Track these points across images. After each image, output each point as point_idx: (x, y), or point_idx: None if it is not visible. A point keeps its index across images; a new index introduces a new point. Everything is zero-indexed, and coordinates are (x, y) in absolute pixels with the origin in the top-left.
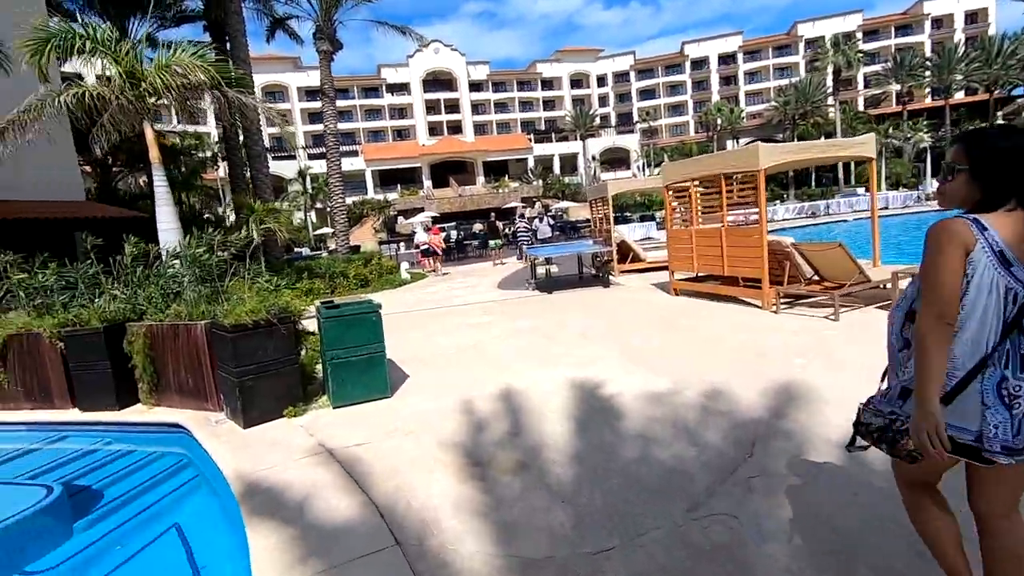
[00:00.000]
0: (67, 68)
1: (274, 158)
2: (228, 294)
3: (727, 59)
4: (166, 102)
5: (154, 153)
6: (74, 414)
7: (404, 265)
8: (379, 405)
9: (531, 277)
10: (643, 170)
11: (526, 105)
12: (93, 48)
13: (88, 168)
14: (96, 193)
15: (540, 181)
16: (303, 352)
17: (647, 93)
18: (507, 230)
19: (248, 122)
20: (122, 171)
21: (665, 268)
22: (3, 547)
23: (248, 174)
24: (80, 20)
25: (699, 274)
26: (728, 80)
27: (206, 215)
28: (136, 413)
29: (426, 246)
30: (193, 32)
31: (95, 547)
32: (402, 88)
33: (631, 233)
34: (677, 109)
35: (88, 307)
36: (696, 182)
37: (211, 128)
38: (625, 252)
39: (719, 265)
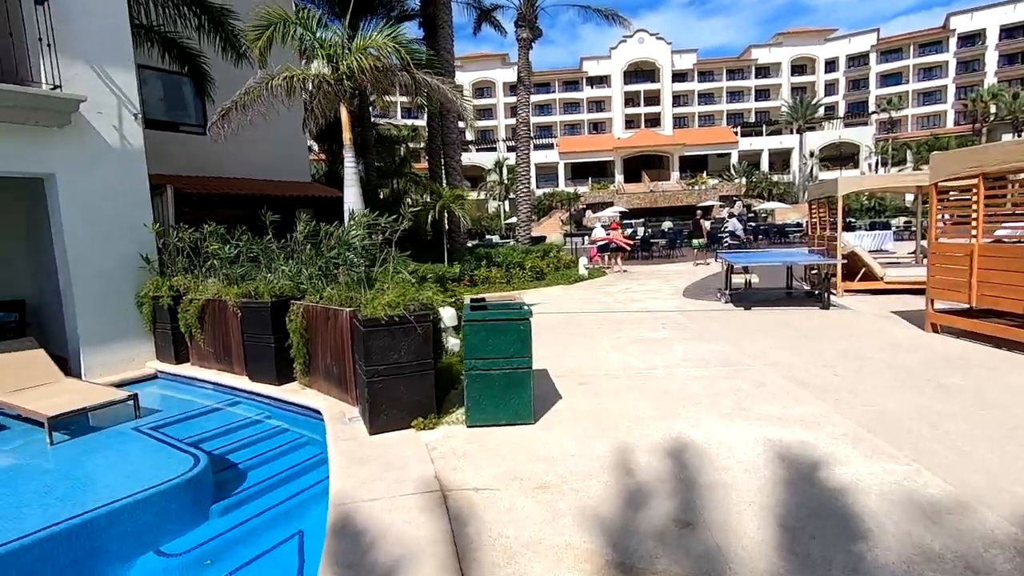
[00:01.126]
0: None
1: (477, 149)
2: (380, 282)
3: (1013, 31)
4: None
5: (347, 136)
6: (244, 382)
7: (583, 260)
8: (517, 434)
9: (725, 287)
10: (876, 168)
11: (735, 95)
12: (303, 34)
13: (323, 155)
14: (325, 176)
15: (744, 178)
16: (443, 355)
17: (891, 78)
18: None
19: (445, 111)
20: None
21: (910, 292)
22: (143, 520)
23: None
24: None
25: (976, 306)
26: (1012, 58)
27: (406, 199)
28: (291, 392)
29: (603, 242)
30: (412, 30)
31: (223, 539)
32: (602, 81)
33: (858, 243)
34: (931, 96)
35: (261, 280)
36: (990, 179)
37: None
38: (853, 267)
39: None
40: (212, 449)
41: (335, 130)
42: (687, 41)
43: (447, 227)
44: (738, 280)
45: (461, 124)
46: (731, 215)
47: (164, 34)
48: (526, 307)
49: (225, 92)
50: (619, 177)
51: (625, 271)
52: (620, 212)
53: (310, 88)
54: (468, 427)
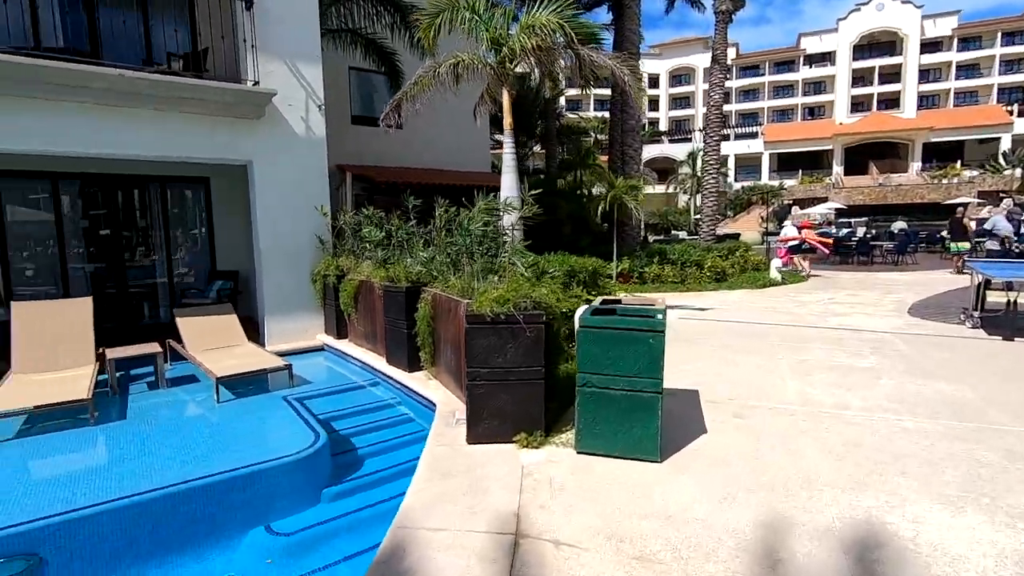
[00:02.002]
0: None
1: (671, 140)
2: (496, 274)
3: None
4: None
5: (507, 121)
6: (383, 363)
7: (776, 263)
8: (634, 473)
9: (974, 306)
10: None
11: (1011, 65)
12: (473, 19)
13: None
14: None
15: (1019, 169)
16: (560, 363)
17: None
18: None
19: (626, 97)
20: (527, 149)
21: None
22: (259, 494)
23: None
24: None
25: None
26: None
27: (580, 191)
28: (417, 380)
29: (795, 241)
30: (601, 15)
31: (326, 527)
32: (823, 59)
33: None
34: None
35: (400, 265)
36: None
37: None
38: None
39: None
40: (341, 428)
41: (518, 120)
42: (943, 4)
43: (619, 219)
44: (996, 299)
45: (652, 114)
46: (1001, 212)
47: (366, 36)
48: (661, 317)
49: None
50: (837, 169)
51: (815, 275)
52: (835, 209)
53: (478, 73)
54: (577, 453)
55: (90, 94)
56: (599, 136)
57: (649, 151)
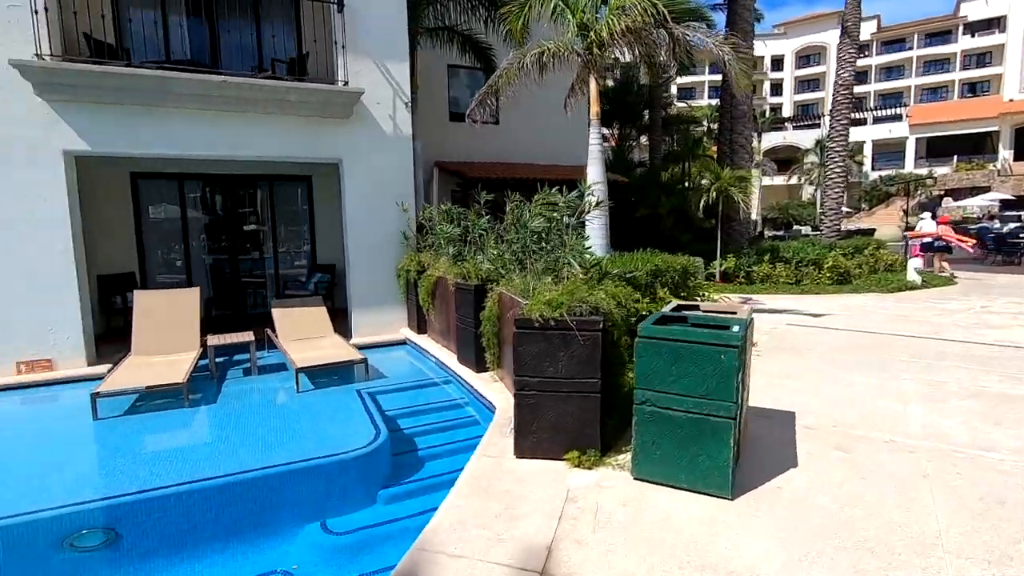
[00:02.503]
0: None
1: (795, 127)
2: (560, 273)
3: None
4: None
5: (594, 109)
6: (455, 361)
7: (914, 263)
8: (697, 510)
9: None
10: None
11: None
12: (557, 5)
13: (605, 141)
14: (611, 161)
15: None
16: (623, 375)
17: None
18: None
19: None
20: (630, 140)
21: None
22: (316, 488)
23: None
24: None
25: None
26: None
27: (684, 184)
28: (483, 380)
29: (931, 238)
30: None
31: (380, 530)
32: (989, 26)
33: None
34: None
35: (471, 262)
36: None
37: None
38: None
39: None
40: (406, 427)
41: (621, 111)
42: None
43: (725, 213)
44: None
45: (775, 99)
46: None
47: (461, 32)
48: (739, 329)
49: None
50: (1005, 153)
51: (967, 279)
52: (1000, 200)
53: (565, 62)
54: (633, 478)
55: (201, 101)
56: (712, 125)
57: (770, 139)
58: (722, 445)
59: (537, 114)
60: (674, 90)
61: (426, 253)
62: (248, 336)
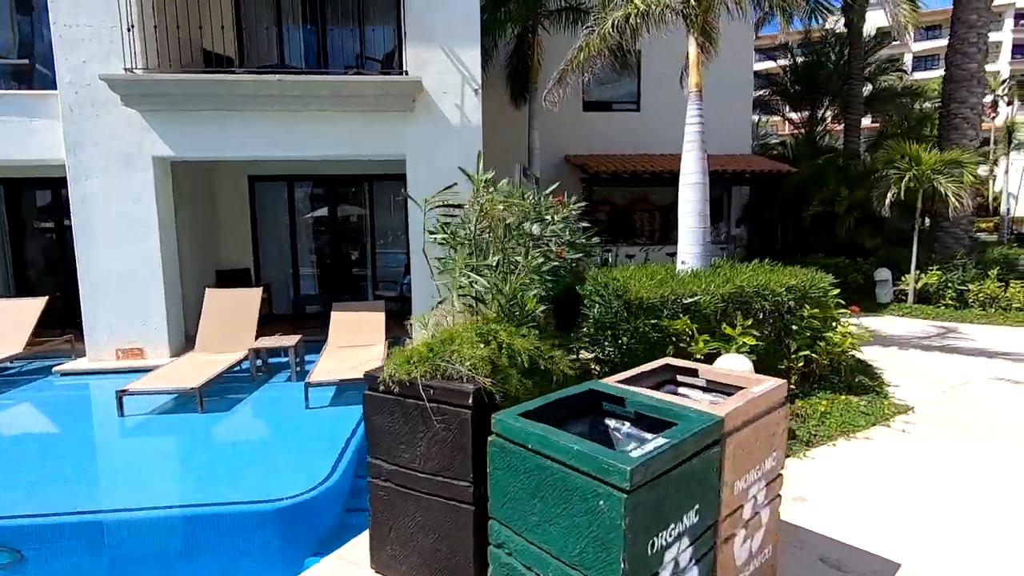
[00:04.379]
0: None
1: None
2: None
3: None
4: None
5: (693, 80)
6: None
7: None
8: None
9: None
10: None
11: None
12: None
13: (792, 126)
14: (797, 147)
15: None
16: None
17: None
18: None
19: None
20: (817, 122)
21: None
22: (228, 543)
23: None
24: None
25: None
26: None
27: (877, 172)
28: None
29: None
30: None
31: None
32: None
33: None
34: None
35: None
36: None
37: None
38: None
39: None
40: None
41: (811, 89)
42: None
43: (931, 211)
44: None
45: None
46: None
47: (586, 9)
48: (684, 440)
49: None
50: None
51: None
52: None
53: (664, 22)
54: None
55: (264, 102)
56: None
57: None
58: None
59: (682, 98)
60: (909, 59)
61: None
62: (292, 340)
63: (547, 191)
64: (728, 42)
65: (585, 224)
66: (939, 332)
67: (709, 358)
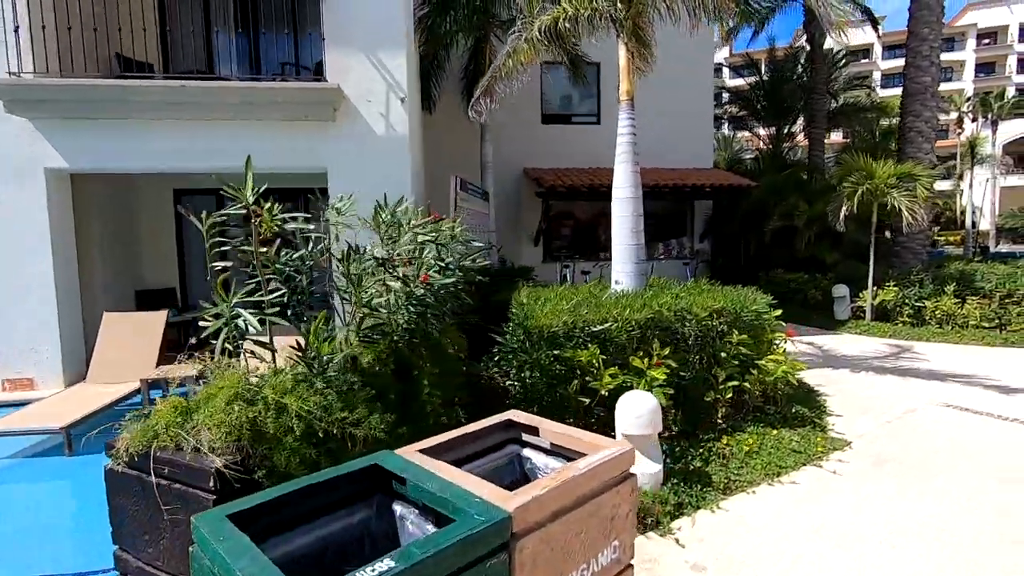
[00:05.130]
0: None
1: None
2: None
3: None
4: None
5: (623, 87)
6: None
7: None
8: None
9: None
10: None
11: None
12: None
13: (759, 140)
14: (765, 161)
15: None
16: None
17: None
18: None
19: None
20: (783, 136)
21: None
22: None
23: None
24: None
25: None
26: None
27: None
28: None
29: None
30: None
31: None
32: None
33: None
34: None
35: None
36: None
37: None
38: None
39: None
40: None
41: (775, 105)
42: None
43: (888, 225)
44: None
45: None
46: None
47: None
48: (480, 519)
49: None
50: None
51: None
52: None
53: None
54: None
55: (172, 110)
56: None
57: (1009, 129)
58: None
59: (644, 110)
60: (878, 76)
61: None
62: (185, 370)
63: (421, 207)
64: (688, 57)
65: (477, 243)
66: (893, 352)
67: (616, 394)
